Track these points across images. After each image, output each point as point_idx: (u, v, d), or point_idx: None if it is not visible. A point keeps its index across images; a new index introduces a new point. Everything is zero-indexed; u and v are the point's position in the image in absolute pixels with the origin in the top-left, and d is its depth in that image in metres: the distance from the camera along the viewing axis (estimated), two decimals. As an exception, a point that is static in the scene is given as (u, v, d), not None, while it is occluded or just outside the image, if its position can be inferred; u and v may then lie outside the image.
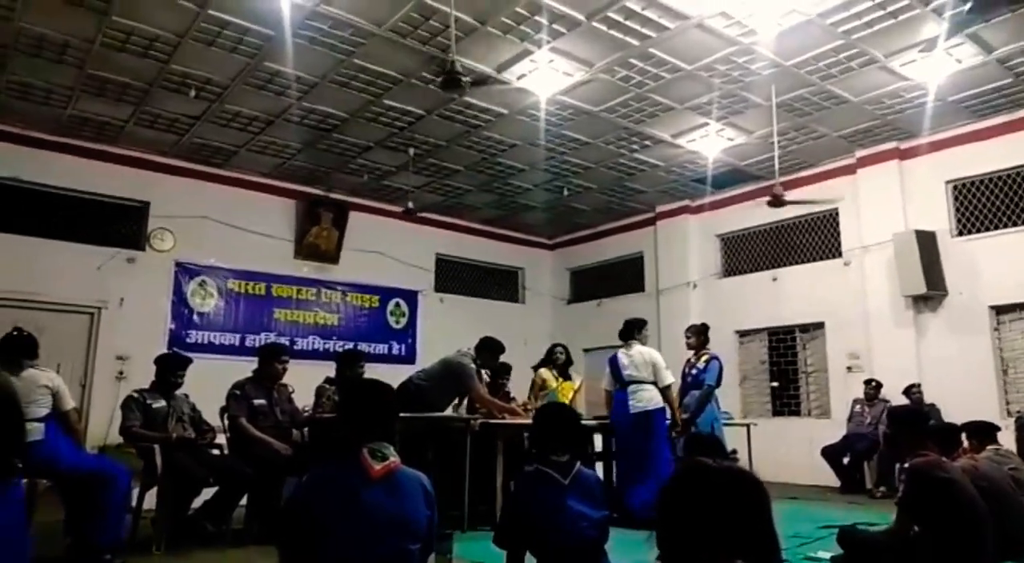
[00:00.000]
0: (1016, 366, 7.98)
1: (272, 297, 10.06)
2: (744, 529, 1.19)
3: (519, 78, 7.16)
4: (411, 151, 8.99)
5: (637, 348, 6.28)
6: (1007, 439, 5.87)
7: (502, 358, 6.60)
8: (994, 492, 4.17)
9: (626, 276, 12.25)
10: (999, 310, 8.11)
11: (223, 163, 9.54)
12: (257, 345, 9.56)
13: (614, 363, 6.36)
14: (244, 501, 5.17)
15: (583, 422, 6.45)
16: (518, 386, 7.34)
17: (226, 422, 5.37)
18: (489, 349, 6.18)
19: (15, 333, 4.47)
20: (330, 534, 2.06)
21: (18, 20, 6.16)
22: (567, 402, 7.06)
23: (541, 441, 2.90)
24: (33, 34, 6.37)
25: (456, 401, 6.35)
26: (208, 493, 5.10)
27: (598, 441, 7.00)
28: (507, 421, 5.72)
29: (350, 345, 10.10)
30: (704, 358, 6.74)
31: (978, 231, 8.38)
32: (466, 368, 5.95)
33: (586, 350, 12.27)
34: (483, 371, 6.18)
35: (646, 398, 6.13)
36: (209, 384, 5.61)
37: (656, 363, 6.17)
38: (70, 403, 4.43)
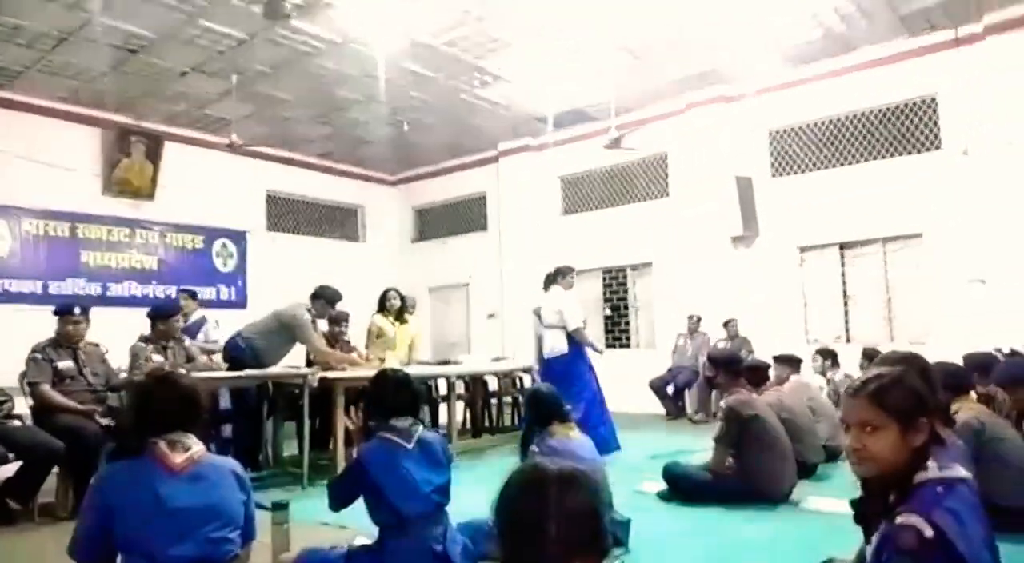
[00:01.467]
0: (816, 301, 8.83)
1: (78, 239, 9.08)
2: (578, 530, 1.23)
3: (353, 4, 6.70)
4: (234, 78, 8.28)
5: (551, 294, 6.32)
6: (808, 370, 6.52)
7: (340, 305, 6.37)
8: (794, 422, 4.63)
9: (470, 215, 12.23)
10: (803, 249, 8.88)
11: (7, 85, 8.32)
12: (63, 293, 8.69)
13: (536, 311, 6.45)
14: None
15: (419, 369, 6.51)
16: (359, 334, 7.16)
17: (27, 390, 4.80)
18: (324, 298, 5.93)
19: None
20: (133, 535, 2.00)
21: None
22: (405, 346, 7.01)
23: (378, 410, 2.84)
24: None
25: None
26: (10, 470, 4.56)
27: (443, 387, 7.03)
28: (347, 374, 5.55)
29: (171, 290, 9.43)
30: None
31: (790, 174, 9.05)
32: (298, 318, 5.69)
33: (431, 289, 12.27)
34: (317, 321, 5.93)
35: (549, 345, 6.24)
36: (6, 339, 4.98)
37: (562, 309, 6.19)
38: None
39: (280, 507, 3.03)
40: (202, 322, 7.25)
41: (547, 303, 6.37)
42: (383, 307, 7.02)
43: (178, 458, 2.08)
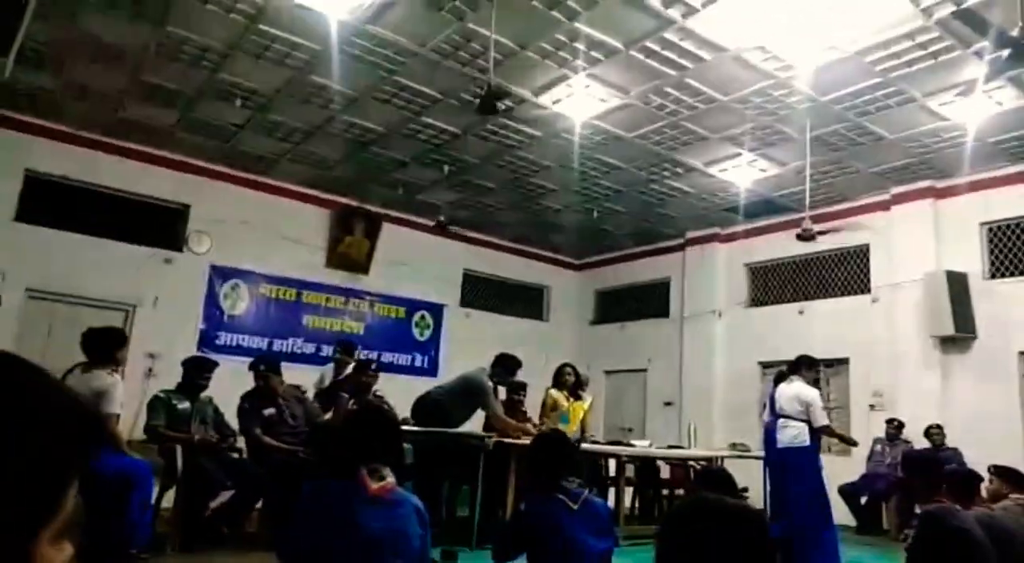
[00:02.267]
0: (1045, 414, 7.82)
1: (302, 303, 10.23)
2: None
3: (555, 102, 7.25)
4: (446, 168, 9.13)
5: (795, 384, 6.46)
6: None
7: (520, 375, 6.65)
8: (1008, 544, 4.09)
9: (652, 300, 12.25)
10: (1029, 356, 7.97)
11: (264, 170, 9.76)
12: (284, 351, 9.75)
13: (771, 396, 6.63)
14: (260, 505, 5.27)
15: (591, 445, 6.59)
16: (536, 404, 7.37)
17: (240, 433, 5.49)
18: (504, 365, 6.25)
19: (91, 331, 4.54)
20: (324, 549, 2.17)
21: (80, 25, 6.41)
22: (578, 421, 7.10)
23: (546, 468, 2.92)
24: (92, 38, 6.63)
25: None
26: (226, 496, 5.18)
27: (612, 466, 7.01)
28: (521, 441, 5.75)
29: (374, 355, 10.22)
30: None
31: (1011, 275, 8.27)
32: (484, 386, 6.03)
33: (607, 372, 12.30)
34: (499, 387, 6.24)
35: (789, 435, 6.34)
36: (237, 385, 5.74)
37: (810, 402, 6.31)
38: (111, 407, 4.40)
39: (450, 557, 3.20)
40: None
41: (788, 393, 6.40)
42: (558, 382, 7.19)
43: (375, 485, 2.26)
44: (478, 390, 6.05)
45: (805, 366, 6.56)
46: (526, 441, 5.74)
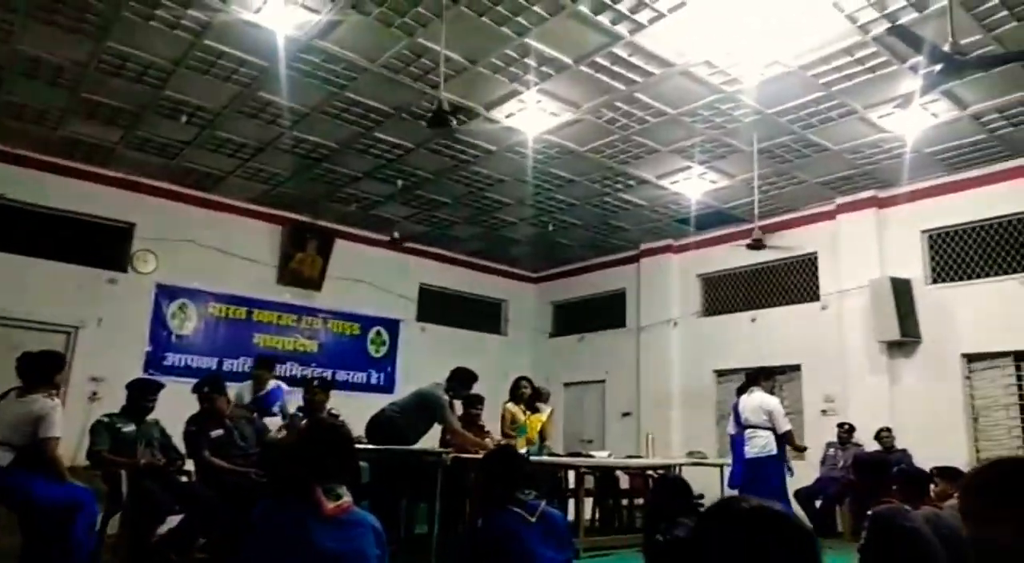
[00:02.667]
0: (987, 414, 8.10)
1: (253, 322, 10.06)
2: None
3: (508, 117, 7.30)
4: (399, 182, 9.11)
5: (756, 394, 6.79)
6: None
7: (478, 389, 6.65)
8: (955, 542, 4.22)
9: (608, 312, 12.34)
10: (970, 358, 8.26)
11: (211, 187, 9.59)
12: (235, 371, 9.55)
13: (735, 408, 6.96)
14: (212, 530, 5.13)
15: (549, 457, 6.62)
16: (494, 418, 7.37)
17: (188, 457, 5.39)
18: (459, 379, 6.26)
19: (27, 355, 4.43)
20: None
21: (15, 42, 6.23)
22: (535, 434, 7.13)
23: (499, 482, 2.93)
24: (29, 56, 6.44)
25: None
26: (174, 521, 5.05)
27: (571, 478, 7.03)
28: (480, 456, 5.73)
29: (328, 373, 10.10)
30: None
31: (952, 280, 8.58)
32: (439, 399, 6.02)
33: (566, 384, 12.34)
34: (455, 401, 6.25)
35: (758, 445, 6.66)
36: (187, 407, 5.60)
37: (772, 410, 6.65)
38: (49, 432, 4.29)
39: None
40: (278, 391, 7.07)
41: (751, 404, 6.72)
42: (514, 395, 7.21)
43: (330, 504, 2.23)
44: (433, 403, 6.04)
45: (763, 377, 6.82)
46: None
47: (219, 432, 5.38)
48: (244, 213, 10.10)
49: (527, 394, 7.21)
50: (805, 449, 7.03)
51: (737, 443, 6.99)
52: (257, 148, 8.29)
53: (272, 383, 7.09)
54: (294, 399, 6.97)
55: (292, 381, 9.88)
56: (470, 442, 6.08)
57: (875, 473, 3.94)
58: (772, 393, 7.06)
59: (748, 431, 6.75)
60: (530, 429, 7.11)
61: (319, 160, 8.57)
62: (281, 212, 10.35)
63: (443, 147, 8.14)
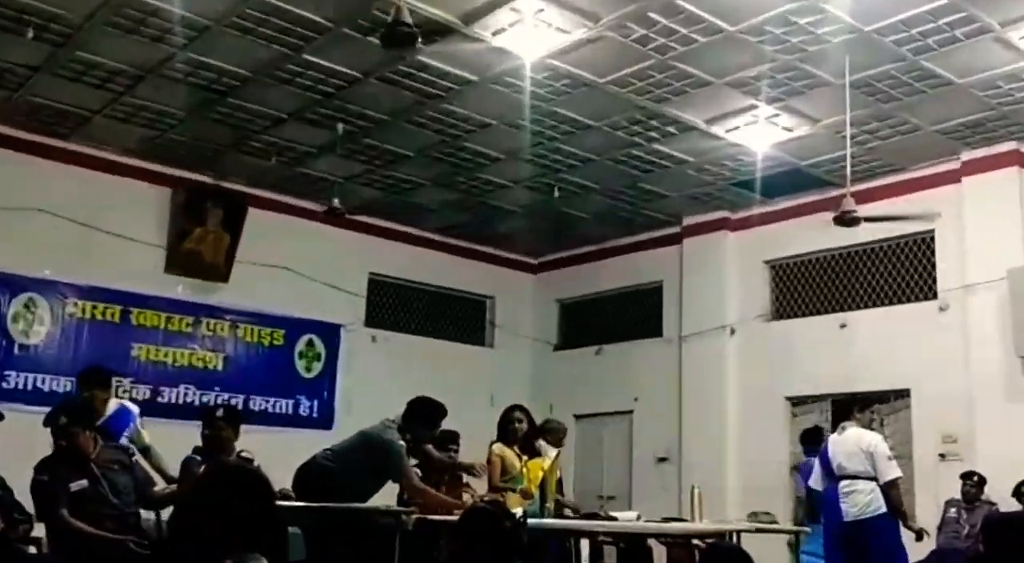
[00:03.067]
0: None
1: (130, 326, 10.00)
2: None
3: (496, 33, 7.24)
4: (340, 127, 9.04)
5: (852, 431, 6.87)
6: None
7: (452, 422, 6.67)
8: None
9: (638, 314, 12.31)
10: None
11: (69, 133, 9.51)
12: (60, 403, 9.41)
13: (823, 453, 7.04)
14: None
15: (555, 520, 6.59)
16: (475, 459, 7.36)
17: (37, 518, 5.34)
18: (421, 418, 6.24)
19: None
20: None
21: None
22: (535, 486, 7.09)
23: (478, 557, 2.94)
24: None
25: None
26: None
27: (585, 548, 7.02)
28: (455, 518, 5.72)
29: (239, 399, 10.05)
30: None
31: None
32: (390, 445, 6.04)
33: (578, 417, 12.30)
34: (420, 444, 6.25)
35: (863, 500, 6.73)
36: (32, 448, 5.55)
37: (875, 450, 6.76)
38: None
39: None
40: (126, 416, 6.86)
41: (846, 445, 6.79)
42: (504, 432, 7.15)
43: None
44: (382, 452, 6.04)
45: (858, 407, 7.04)
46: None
47: (82, 483, 5.32)
48: (118, 170, 10.01)
49: (522, 430, 7.17)
50: (920, 532, 7.14)
51: (828, 501, 6.98)
52: (136, 76, 8.20)
53: (113, 404, 6.78)
54: (145, 427, 6.85)
55: (187, 410, 9.88)
56: (437, 502, 6.06)
57: (1013, 541, 3.94)
58: (870, 428, 7.10)
59: (844, 484, 6.78)
60: (528, 479, 7.08)
61: (224, 94, 8.49)
62: (171, 170, 10.25)
63: (403, 77, 8.07)
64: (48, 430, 5.47)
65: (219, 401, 10.17)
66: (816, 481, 7.39)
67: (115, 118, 9.13)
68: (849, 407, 7.19)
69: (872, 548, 6.60)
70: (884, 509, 6.75)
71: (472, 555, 2.94)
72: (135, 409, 6.99)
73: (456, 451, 6.96)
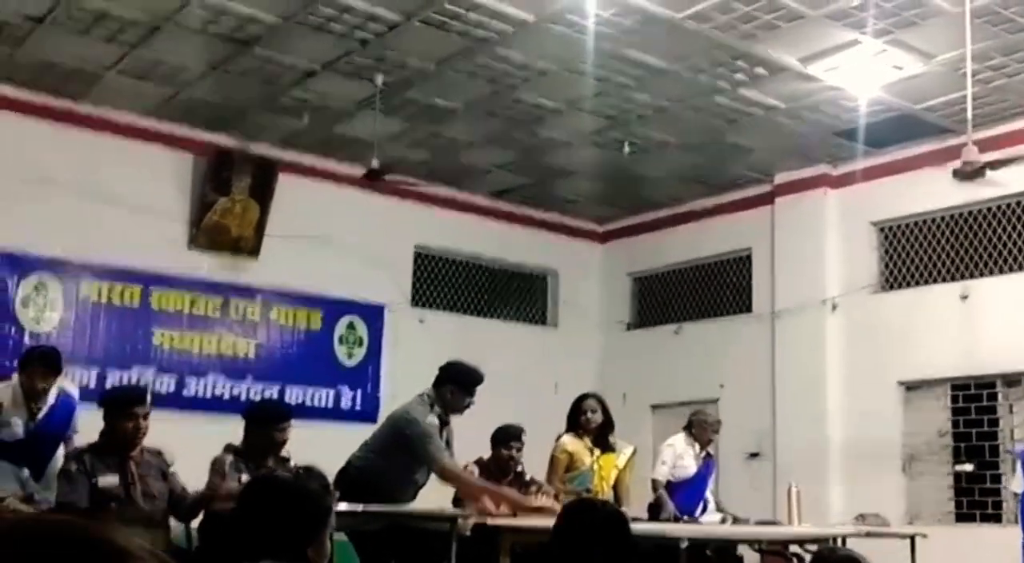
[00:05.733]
0: None
1: (151, 310, 10.11)
2: None
3: (554, -37, 7.15)
4: (379, 79, 9.02)
5: None
6: None
7: (512, 415, 6.62)
8: None
9: (723, 287, 12.26)
10: None
11: (80, 94, 9.61)
12: (127, 383, 9.59)
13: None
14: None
15: (637, 527, 6.54)
16: (541, 460, 7.32)
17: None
18: (455, 381, 6.15)
19: None
20: None
21: None
22: (608, 486, 7.05)
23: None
24: None
25: None
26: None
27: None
28: (520, 520, 5.67)
29: (273, 390, 10.09)
30: None
31: None
32: (413, 421, 5.98)
33: (655, 407, 12.25)
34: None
35: None
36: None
37: None
38: None
39: None
40: (68, 404, 6.59)
41: None
42: (575, 423, 7.15)
43: None
44: (404, 429, 6.01)
45: None
46: (531, 520, 5.68)
47: (112, 480, 5.45)
48: (133, 134, 10.11)
49: (597, 421, 7.16)
50: None
51: None
52: (150, 27, 8.25)
53: (55, 390, 6.39)
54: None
55: (215, 403, 9.97)
56: (475, 489, 6.09)
57: None
58: None
59: None
60: (600, 478, 7.04)
61: (248, 44, 8.51)
62: (192, 132, 10.33)
63: (449, 18, 8.02)
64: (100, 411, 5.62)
65: (251, 393, 10.31)
66: (1016, 485, 7.41)
67: (128, 75, 9.20)
68: None
69: None
70: None
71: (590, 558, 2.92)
72: (75, 393, 6.77)
73: (519, 449, 6.89)
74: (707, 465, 8.17)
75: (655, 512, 7.75)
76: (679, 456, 7.99)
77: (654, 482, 7.93)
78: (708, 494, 8.16)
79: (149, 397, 5.73)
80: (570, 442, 7.13)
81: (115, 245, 9.89)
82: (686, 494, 7.91)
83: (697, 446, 8.04)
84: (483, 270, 12.58)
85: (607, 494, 7.09)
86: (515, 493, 6.17)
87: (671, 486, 7.94)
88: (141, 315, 10.06)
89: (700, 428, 8.15)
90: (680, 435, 8.16)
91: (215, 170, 10.37)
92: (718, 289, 12.32)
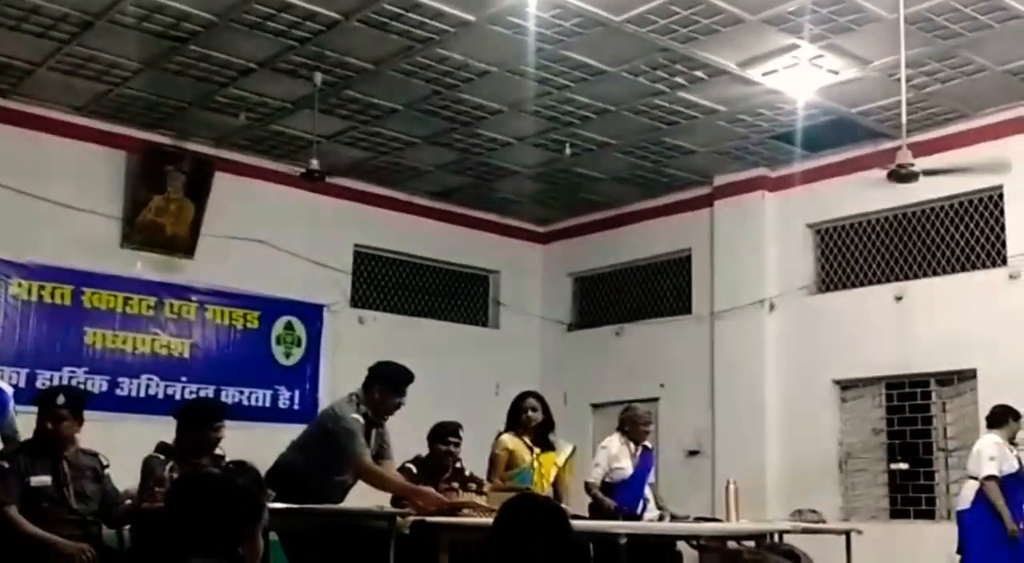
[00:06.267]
0: None
1: (83, 309, 10.01)
2: None
3: (495, -35, 7.21)
4: (318, 77, 9.01)
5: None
6: None
7: (450, 412, 6.64)
8: None
9: (663, 288, 12.33)
10: None
11: (9, 89, 9.50)
12: (55, 385, 9.47)
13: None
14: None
15: (576, 524, 6.57)
16: (483, 459, 7.37)
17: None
18: (383, 382, 6.14)
19: None
20: None
21: None
22: (548, 484, 7.11)
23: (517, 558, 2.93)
24: None
25: None
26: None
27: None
28: (462, 519, 5.73)
29: (209, 391, 10.06)
30: None
31: None
32: (338, 421, 5.94)
33: (595, 406, 12.32)
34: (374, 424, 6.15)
35: (961, 496, 8.36)
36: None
37: (979, 450, 8.19)
38: None
39: None
40: (3, 397, 6.65)
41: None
42: (516, 422, 7.17)
43: None
44: (326, 424, 6.00)
45: (1012, 417, 8.27)
46: (466, 516, 5.74)
47: (45, 479, 5.40)
48: (65, 131, 10.01)
49: (537, 420, 7.18)
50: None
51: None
52: (83, 22, 8.17)
53: None
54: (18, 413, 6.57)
55: (149, 404, 9.90)
56: (398, 488, 6.02)
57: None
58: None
59: None
60: (539, 476, 7.07)
61: (184, 41, 8.47)
62: (126, 129, 10.25)
63: (389, 17, 8.02)
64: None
65: (186, 393, 10.24)
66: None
67: (61, 71, 9.10)
68: (1003, 415, 8.27)
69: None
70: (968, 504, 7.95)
71: (531, 557, 2.92)
72: (9, 390, 6.77)
73: (457, 445, 6.90)
74: (644, 462, 8.16)
75: (595, 513, 7.78)
76: (614, 457, 7.99)
77: (587, 484, 7.93)
78: (647, 491, 8.20)
79: (63, 398, 5.60)
80: (510, 440, 7.11)
81: (46, 243, 9.80)
82: (624, 493, 7.90)
83: (632, 444, 8.06)
84: (424, 270, 12.59)
85: (547, 492, 7.10)
86: (434, 492, 6.14)
87: (610, 487, 7.94)
88: (72, 314, 9.95)
89: (632, 425, 8.14)
90: (615, 436, 8.18)
91: (149, 168, 10.29)
92: (658, 290, 12.41)
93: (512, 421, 7.21)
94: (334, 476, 6.08)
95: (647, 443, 8.28)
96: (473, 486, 6.50)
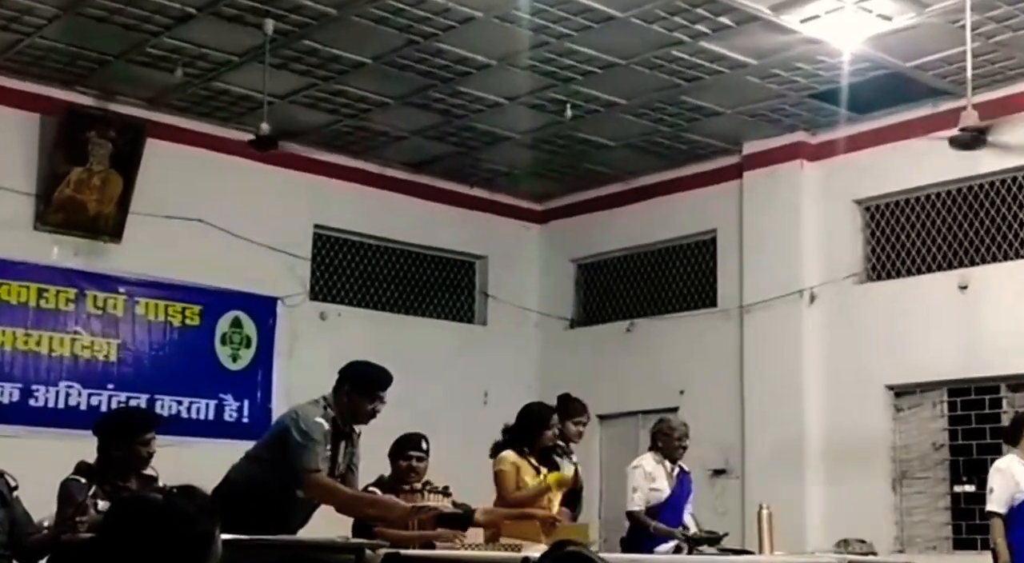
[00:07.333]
0: None
1: (-9, 303, 10.00)
2: None
3: None
4: (269, 25, 8.96)
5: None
6: None
7: (429, 427, 6.63)
8: None
9: (683, 276, 12.35)
10: None
11: (-100, 39, 9.47)
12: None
13: None
14: None
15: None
16: (469, 479, 7.38)
17: None
18: (354, 383, 6.12)
19: None
20: None
21: None
22: (556, 506, 7.12)
23: None
24: None
25: None
26: None
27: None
28: (445, 552, 5.73)
29: (140, 400, 10.02)
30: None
31: None
32: (296, 422, 5.89)
33: (603, 417, 12.31)
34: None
35: None
36: None
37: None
38: None
39: None
40: None
41: None
42: (528, 439, 7.18)
43: None
44: (285, 427, 5.94)
45: None
46: (450, 549, 5.76)
47: None
48: (-33, 91, 9.99)
49: (554, 442, 7.36)
50: None
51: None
52: (-13, -41, 8.16)
53: None
54: None
55: (69, 416, 9.88)
56: (354, 503, 6.07)
57: None
58: None
59: None
60: (546, 500, 7.09)
61: (110, -18, 8.45)
62: (40, 88, 10.25)
63: (354, -47, 8.02)
64: None
65: (114, 403, 10.22)
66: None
67: (-40, 18, 9.08)
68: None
69: None
70: None
71: None
72: None
73: (420, 460, 6.91)
74: (682, 483, 8.24)
75: (634, 540, 7.86)
76: (651, 478, 8.04)
77: (631, 515, 8.00)
78: (688, 519, 8.25)
79: None
80: (512, 457, 7.12)
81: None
82: (662, 518, 7.95)
83: (668, 463, 8.12)
84: (397, 256, 12.58)
85: (556, 512, 7.18)
86: (392, 498, 6.17)
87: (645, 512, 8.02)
88: (-22, 310, 9.96)
89: (666, 440, 8.21)
90: (647, 454, 8.26)
91: (68, 134, 10.26)
92: (677, 279, 12.42)
93: (522, 437, 7.17)
94: (296, 490, 6.04)
95: (683, 464, 8.32)
96: (440, 486, 6.53)
